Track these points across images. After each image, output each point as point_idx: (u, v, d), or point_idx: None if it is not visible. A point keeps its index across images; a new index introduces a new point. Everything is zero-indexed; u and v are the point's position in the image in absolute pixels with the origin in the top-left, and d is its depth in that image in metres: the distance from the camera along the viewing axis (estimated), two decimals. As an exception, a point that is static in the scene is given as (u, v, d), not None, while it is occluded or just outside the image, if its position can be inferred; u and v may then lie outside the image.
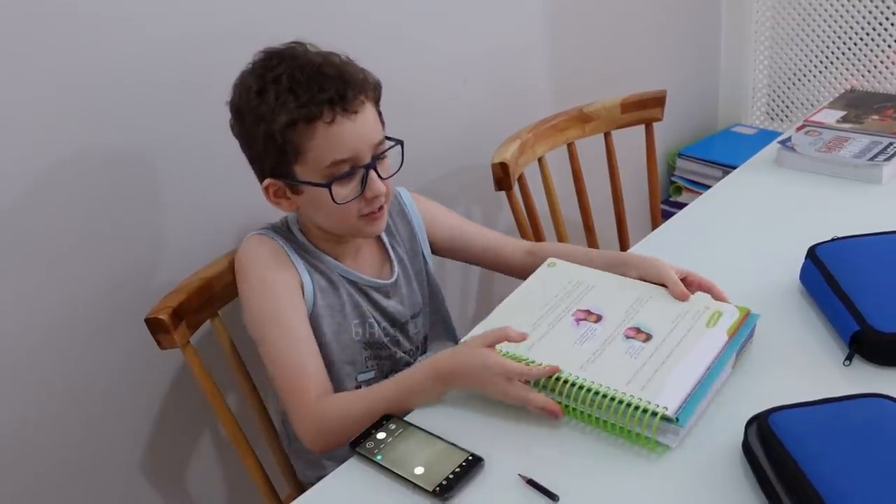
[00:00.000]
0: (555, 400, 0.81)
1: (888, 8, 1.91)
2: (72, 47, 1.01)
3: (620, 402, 0.77)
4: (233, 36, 1.14)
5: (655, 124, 1.55)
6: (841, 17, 1.98)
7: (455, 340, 1.17)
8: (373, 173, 0.97)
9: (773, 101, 2.20)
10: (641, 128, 1.54)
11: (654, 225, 1.57)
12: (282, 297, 1.00)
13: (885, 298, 0.86)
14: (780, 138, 1.36)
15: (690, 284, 0.92)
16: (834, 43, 2.02)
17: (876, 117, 1.37)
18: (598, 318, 0.89)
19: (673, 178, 2.12)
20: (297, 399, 0.95)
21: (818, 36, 2.04)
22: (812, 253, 0.96)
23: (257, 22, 1.18)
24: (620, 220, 1.57)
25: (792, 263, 0.99)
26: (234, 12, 1.17)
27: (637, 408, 0.76)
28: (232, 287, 1.09)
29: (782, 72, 2.15)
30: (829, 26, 2.01)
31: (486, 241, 1.16)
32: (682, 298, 0.90)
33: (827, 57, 2.04)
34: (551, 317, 0.91)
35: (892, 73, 1.97)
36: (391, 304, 1.09)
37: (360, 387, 1.06)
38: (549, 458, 0.78)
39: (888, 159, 1.21)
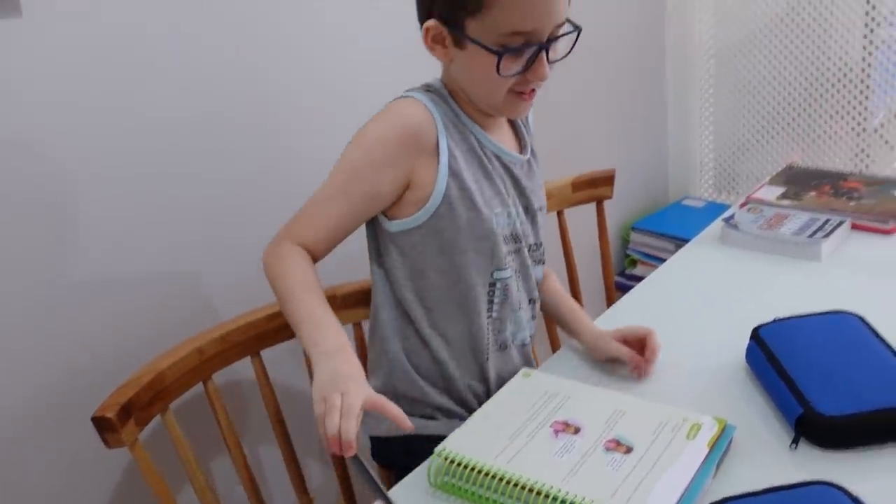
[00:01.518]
0: None
1: (822, 85, 2.01)
2: None
3: None
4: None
5: (607, 201, 1.60)
6: (779, 93, 2.08)
7: None
8: (543, 55, 0.91)
9: (720, 174, 2.28)
10: (594, 204, 1.58)
11: (609, 299, 1.60)
12: (374, 171, 0.94)
13: (827, 381, 0.88)
14: (724, 215, 1.41)
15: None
16: (773, 118, 2.11)
17: (814, 194, 1.43)
18: (577, 430, 0.89)
19: (628, 252, 2.16)
20: (283, 229, 0.99)
21: (758, 112, 2.14)
22: (756, 334, 0.98)
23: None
24: (576, 296, 1.59)
25: (738, 343, 1.01)
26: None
27: None
28: (186, 379, 1.08)
29: (726, 147, 2.24)
30: (769, 102, 2.11)
31: None
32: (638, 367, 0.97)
33: (768, 132, 2.14)
34: (529, 428, 0.90)
35: (828, 147, 2.07)
36: (528, 185, 1.05)
37: (494, 284, 1.02)
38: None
39: (826, 236, 1.26)
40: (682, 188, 2.30)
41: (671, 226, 2.07)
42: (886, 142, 2.01)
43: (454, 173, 0.97)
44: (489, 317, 1.04)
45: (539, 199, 1.08)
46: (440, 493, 0.86)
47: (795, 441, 0.86)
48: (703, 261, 1.32)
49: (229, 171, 1.30)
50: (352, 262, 1.26)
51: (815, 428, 0.84)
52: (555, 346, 1.45)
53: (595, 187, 1.56)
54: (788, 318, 1.01)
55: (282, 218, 1.27)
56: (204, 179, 1.27)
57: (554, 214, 1.55)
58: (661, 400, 0.93)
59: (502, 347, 1.08)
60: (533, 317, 1.13)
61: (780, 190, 1.46)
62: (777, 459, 0.84)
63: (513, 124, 1.09)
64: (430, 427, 1.07)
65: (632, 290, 1.26)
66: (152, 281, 1.23)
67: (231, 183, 1.31)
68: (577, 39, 0.95)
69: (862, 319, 0.99)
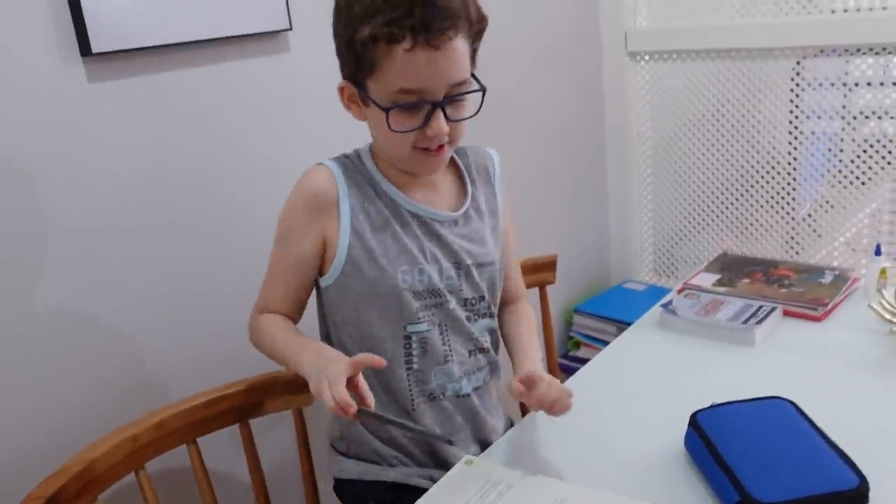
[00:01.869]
0: None
1: (752, 176, 2.11)
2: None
3: None
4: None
5: (550, 285, 1.63)
6: (713, 183, 2.18)
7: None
8: (438, 112, 0.95)
9: (659, 259, 2.35)
10: (537, 289, 1.61)
11: (553, 383, 1.61)
12: (295, 231, 1.04)
13: (762, 467, 0.90)
14: (662, 301, 1.44)
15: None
16: (708, 207, 2.21)
17: (747, 280, 1.48)
18: None
19: (571, 334, 2.19)
20: (257, 301, 1.12)
21: (694, 200, 2.23)
22: (693, 420, 1.00)
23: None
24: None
25: (677, 428, 1.02)
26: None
27: None
28: (118, 468, 1.04)
29: (665, 233, 2.32)
30: (703, 192, 2.20)
31: (508, 259, 1.19)
32: (516, 392, 0.98)
33: (703, 219, 2.23)
34: None
35: (760, 235, 2.16)
36: (456, 240, 1.07)
37: (409, 337, 1.06)
38: None
39: (759, 322, 1.30)
40: (624, 272, 2.36)
41: (613, 309, 2.11)
42: (814, 231, 2.11)
43: (356, 233, 1.03)
44: (409, 369, 1.07)
45: (477, 255, 1.09)
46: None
47: (733, 528, 0.86)
48: (643, 345, 1.35)
49: (179, 248, 1.30)
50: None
51: (751, 514, 0.86)
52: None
53: (538, 272, 1.59)
54: (724, 404, 1.03)
55: (230, 297, 1.27)
56: (154, 253, 1.26)
57: (498, 298, 1.57)
58: (603, 486, 0.93)
59: (431, 398, 1.09)
60: (481, 368, 1.14)
61: (715, 277, 1.51)
62: (716, 547, 0.85)
63: (462, 184, 1.12)
64: (388, 474, 1.11)
65: (575, 374, 1.27)
66: (86, 365, 1.20)
67: (178, 261, 1.30)
68: (483, 99, 1.01)
69: (794, 405, 1.01)
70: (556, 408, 0.97)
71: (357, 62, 0.95)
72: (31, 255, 1.12)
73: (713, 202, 2.19)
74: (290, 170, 1.11)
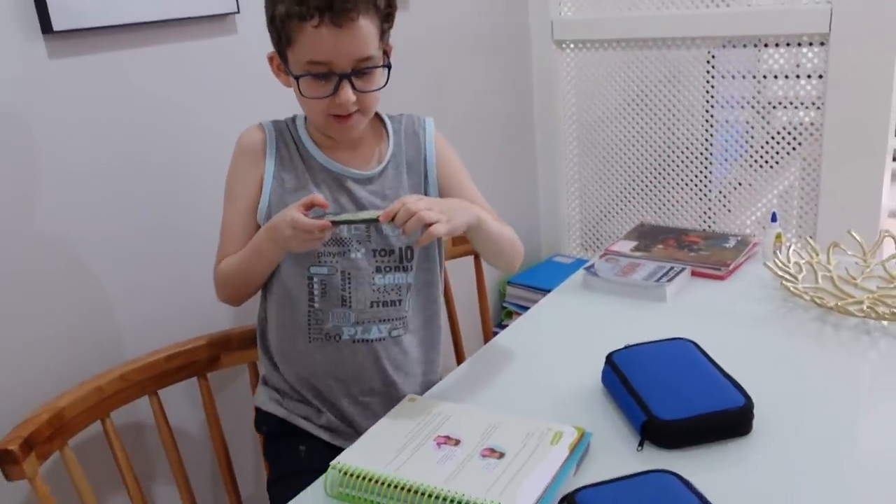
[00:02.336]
0: None
1: (670, 157, 2.28)
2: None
3: None
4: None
5: (483, 255, 1.75)
6: (635, 164, 2.34)
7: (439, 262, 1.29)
8: (345, 83, 1.07)
9: (585, 234, 2.51)
10: (472, 258, 1.74)
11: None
12: (238, 182, 1.18)
13: (666, 392, 1.04)
14: (586, 265, 1.59)
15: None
16: (630, 186, 2.37)
17: (661, 246, 1.63)
18: (457, 442, 1.00)
19: (504, 304, 2.33)
20: (216, 260, 1.21)
21: (617, 180, 2.39)
22: (609, 358, 1.14)
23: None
24: (456, 341, 1.72)
25: (596, 369, 1.16)
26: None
27: None
28: (85, 416, 1.12)
29: (591, 210, 2.48)
30: (626, 172, 2.37)
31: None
32: (385, 217, 1.03)
33: (626, 197, 2.39)
34: (414, 443, 1.00)
35: (678, 210, 2.33)
36: (366, 196, 1.18)
37: (311, 278, 1.17)
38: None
39: (670, 280, 1.45)
40: (553, 247, 2.52)
41: (543, 280, 2.26)
42: (726, 207, 2.30)
43: (278, 180, 1.17)
44: (310, 307, 1.18)
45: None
46: (337, 502, 0.95)
47: (641, 443, 1.00)
48: (569, 302, 1.49)
49: (137, 215, 1.37)
50: (244, 307, 1.35)
51: (656, 431, 1.00)
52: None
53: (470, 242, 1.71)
54: (636, 345, 1.17)
55: (187, 259, 1.36)
56: (113, 220, 1.33)
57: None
58: (531, 417, 1.06)
59: (327, 338, 1.19)
60: (385, 321, 1.20)
61: (633, 244, 1.67)
62: (627, 459, 0.99)
63: (383, 148, 1.23)
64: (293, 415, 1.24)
65: (508, 327, 1.40)
66: (54, 320, 1.26)
67: (137, 228, 1.37)
68: (388, 75, 1.13)
69: (695, 344, 1.16)
70: (406, 227, 1.03)
71: (278, 36, 1.10)
72: (2, 212, 1.19)
73: (635, 181, 2.36)
74: (235, 141, 1.21)
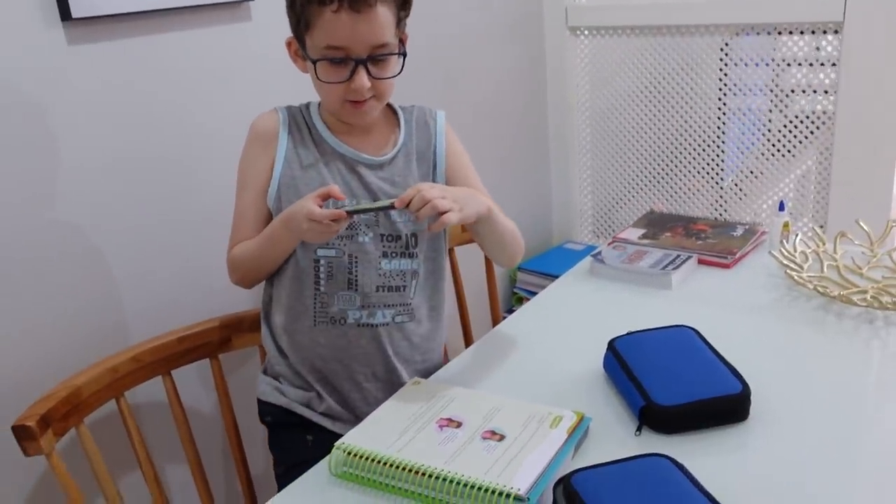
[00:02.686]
0: (422, 493, 0.92)
1: (683, 146, 2.28)
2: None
3: (480, 488, 0.90)
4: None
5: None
6: (647, 152, 2.35)
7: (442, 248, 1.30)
8: (361, 68, 1.10)
9: (597, 221, 2.52)
10: (480, 245, 1.75)
11: (496, 330, 1.76)
12: (250, 168, 1.21)
13: (665, 378, 1.06)
14: (593, 252, 1.60)
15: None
16: (643, 174, 2.37)
17: (669, 234, 1.64)
18: (459, 425, 1.02)
19: (515, 290, 2.35)
20: (228, 245, 1.23)
21: (630, 168, 2.39)
22: (611, 344, 1.16)
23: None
24: (465, 326, 1.75)
25: (599, 355, 1.18)
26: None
27: (494, 491, 0.89)
28: (100, 395, 1.16)
29: (603, 198, 2.49)
30: (638, 160, 2.37)
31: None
32: (400, 204, 1.06)
33: (638, 185, 2.39)
34: (417, 425, 1.03)
35: (690, 199, 2.34)
36: (376, 181, 1.20)
37: (318, 261, 1.20)
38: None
39: (676, 269, 1.47)
40: (565, 233, 2.53)
41: (554, 266, 2.27)
42: (738, 194, 2.30)
43: (289, 164, 1.19)
44: (316, 289, 1.20)
45: (395, 197, 1.15)
46: (341, 482, 0.98)
47: (640, 428, 1.02)
48: (575, 289, 1.50)
49: (152, 200, 1.40)
50: (255, 290, 1.38)
51: (654, 416, 1.02)
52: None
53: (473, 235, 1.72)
54: (638, 332, 1.19)
55: (201, 243, 1.39)
56: (129, 205, 1.37)
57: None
58: (533, 400, 1.08)
59: (332, 321, 1.21)
60: (389, 306, 1.22)
61: (641, 231, 1.68)
62: (625, 443, 1.01)
63: (395, 134, 1.25)
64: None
65: (514, 312, 1.42)
66: (72, 302, 1.30)
67: (152, 212, 1.41)
68: (403, 62, 1.16)
69: (696, 331, 1.18)
70: (420, 214, 1.05)
71: (297, 20, 1.12)
72: (18, 200, 1.22)
73: (647, 168, 2.36)
74: (248, 128, 1.23)
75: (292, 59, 1.19)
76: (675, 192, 2.34)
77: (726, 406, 1.02)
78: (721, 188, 2.29)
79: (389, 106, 1.27)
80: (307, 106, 1.25)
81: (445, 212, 1.05)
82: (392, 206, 1.07)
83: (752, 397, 1.04)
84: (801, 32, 2.00)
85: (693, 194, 2.33)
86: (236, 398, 1.38)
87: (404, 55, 1.16)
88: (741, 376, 1.05)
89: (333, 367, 1.23)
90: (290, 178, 1.19)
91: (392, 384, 1.23)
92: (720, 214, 2.30)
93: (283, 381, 1.26)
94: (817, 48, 2.01)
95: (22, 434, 1.04)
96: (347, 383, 1.24)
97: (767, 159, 2.18)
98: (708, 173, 2.28)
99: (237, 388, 1.46)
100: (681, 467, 0.90)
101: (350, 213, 1.06)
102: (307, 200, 1.07)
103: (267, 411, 1.28)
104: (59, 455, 1.09)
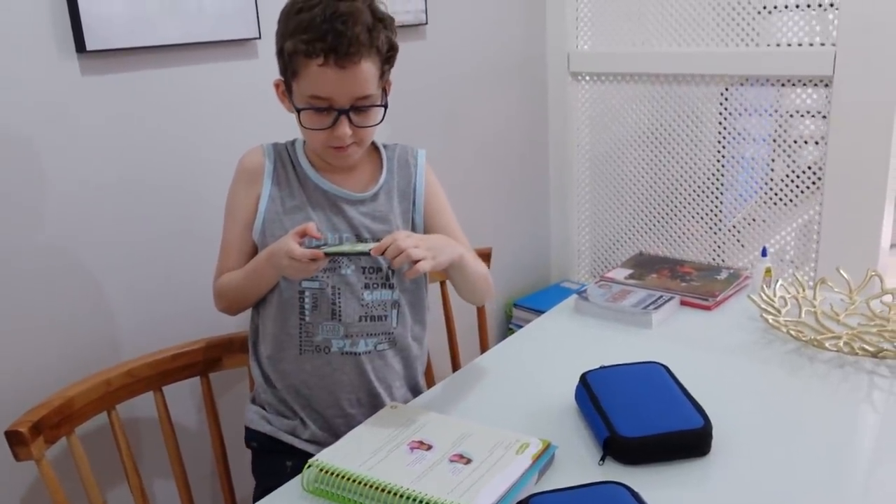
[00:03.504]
0: None
1: (683, 190, 2.33)
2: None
3: None
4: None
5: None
6: (646, 194, 2.40)
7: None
8: (343, 118, 1.16)
9: (594, 262, 2.57)
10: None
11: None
12: (237, 202, 1.27)
13: (630, 411, 1.09)
14: (579, 290, 1.65)
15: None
16: (641, 216, 2.42)
17: (655, 276, 1.69)
18: (429, 447, 1.07)
19: (510, 325, 2.39)
20: (215, 275, 1.29)
21: (628, 211, 2.45)
22: (583, 378, 1.20)
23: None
24: (455, 357, 1.79)
25: (572, 387, 1.22)
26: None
27: None
28: (92, 407, 1.21)
29: (600, 239, 2.53)
30: (637, 203, 2.42)
31: (448, 234, 1.30)
32: (376, 252, 1.09)
33: (636, 227, 2.44)
34: (389, 447, 1.07)
35: (686, 243, 2.38)
36: (357, 217, 1.25)
37: (303, 292, 1.25)
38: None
39: (657, 308, 1.51)
40: (562, 273, 2.57)
41: (549, 304, 2.28)
42: (735, 240, 2.34)
43: (273, 200, 1.25)
44: (301, 319, 1.25)
45: (377, 231, 1.25)
46: (313, 498, 1.02)
47: (603, 458, 1.06)
48: (558, 324, 1.55)
49: (155, 223, 1.47)
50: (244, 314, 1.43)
51: (617, 447, 1.05)
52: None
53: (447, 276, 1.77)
54: (610, 366, 1.23)
55: (199, 265, 1.45)
56: (133, 226, 1.44)
57: (437, 284, 1.76)
58: (505, 428, 1.11)
59: (317, 350, 1.26)
60: (372, 335, 1.27)
61: (628, 271, 1.72)
62: (588, 471, 1.04)
63: (378, 172, 1.30)
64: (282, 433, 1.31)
65: (497, 345, 1.47)
66: (70, 316, 1.36)
67: (155, 235, 1.47)
68: (384, 114, 1.21)
69: (666, 368, 1.22)
70: (395, 262, 1.09)
71: (284, 66, 1.18)
72: (28, 218, 1.29)
73: (645, 211, 2.41)
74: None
75: (279, 99, 1.25)
76: (673, 236, 2.39)
77: (687, 440, 1.06)
78: (718, 234, 2.33)
79: (373, 144, 1.33)
80: (293, 143, 1.31)
81: (419, 260, 1.10)
82: (368, 254, 1.11)
83: (715, 433, 1.07)
84: (794, 84, 2.06)
85: (690, 239, 2.37)
86: (225, 417, 1.43)
87: (385, 107, 1.22)
88: (704, 412, 1.09)
89: (318, 394, 1.28)
90: (275, 213, 1.25)
91: (375, 409, 1.27)
92: (716, 260, 2.33)
93: (269, 409, 1.31)
94: (807, 100, 2.06)
95: (13, 439, 1.09)
96: (332, 409, 1.29)
97: (769, 207, 2.22)
98: (705, 218, 2.33)
99: (227, 407, 1.51)
100: (636, 495, 0.93)
101: (328, 255, 1.12)
102: (288, 238, 1.12)
103: (253, 437, 1.33)
104: (50, 463, 1.14)
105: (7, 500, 1.29)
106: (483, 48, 2.21)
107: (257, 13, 1.55)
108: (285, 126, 1.41)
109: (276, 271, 1.18)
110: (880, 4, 1.84)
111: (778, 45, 2.07)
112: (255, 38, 1.57)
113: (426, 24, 1.97)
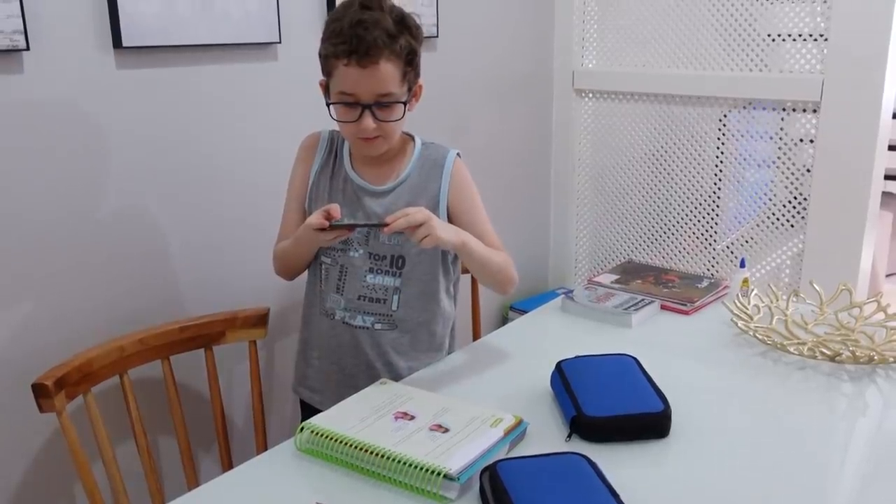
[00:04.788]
0: (370, 469, 1.07)
1: (680, 207, 2.43)
2: None
3: (417, 466, 1.04)
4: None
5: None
6: (644, 209, 2.50)
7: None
8: (367, 112, 1.29)
9: (591, 270, 2.67)
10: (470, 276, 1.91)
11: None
12: (295, 177, 1.45)
13: (597, 394, 1.19)
14: (566, 291, 1.75)
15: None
16: (638, 230, 2.52)
17: (639, 281, 1.79)
18: (412, 418, 1.18)
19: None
20: (275, 242, 1.46)
21: (626, 224, 2.55)
22: (558, 365, 1.30)
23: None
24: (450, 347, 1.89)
25: (549, 374, 1.32)
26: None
27: (429, 469, 1.03)
28: (108, 369, 1.33)
29: (598, 250, 2.64)
30: (634, 217, 2.52)
31: (474, 230, 1.40)
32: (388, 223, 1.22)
33: (633, 240, 2.54)
34: (376, 416, 1.18)
35: (680, 257, 2.47)
36: (371, 207, 1.40)
37: (321, 265, 1.44)
38: None
39: (637, 310, 1.61)
40: (559, 280, 2.68)
41: (543, 309, 2.42)
42: (731, 261, 2.43)
43: (317, 177, 1.43)
44: (320, 287, 1.45)
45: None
46: (305, 456, 1.13)
47: (570, 435, 1.16)
48: (544, 321, 1.65)
49: (180, 208, 1.59)
50: (251, 290, 1.55)
51: (583, 425, 1.15)
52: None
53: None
54: (585, 356, 1.33)
55: (221, 247, 1.57)
56: (161, 210, 1.56)
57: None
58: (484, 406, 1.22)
59: (327, 314, 1.45)
60: (369, 313, 1.42)
61: (615, 277, 1.82)
62: (555, 447, 1.14)
63: (402, 168, 1.43)
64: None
65: (485, 336, 1.58)
66: (90, 287, 1.49)
67: (181, 219, 1.60)
68: (405, 108, 1.34)
69: (636, 360, 1.31)
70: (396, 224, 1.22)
71: (324, 65, 1.33)
72: (71, 191, 1.42)
73: (643, 225, 2.52)
74: (270, 154, 1.42)
75: (323, 97, 1.38)
76: (668, 252, 2.49)
77: (648, 422, 1.16)
78: (713, 252, 2.43)
79: (412, 139, 1.46)
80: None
81: (420, 225, 1.22)
82: (378, 225, 1.26)
83: (675, 419, 1.17)
84: (783, 110, 2.16)
85: (685, 255, 2.47)
86: (226, 387, 1.54)
87: (405, 104, 1.34)
88: (665, 398, 1.19)
89: (325, 351, 1.47)
90: (317, 190, 1.42)
91: (371, 378, 1.39)
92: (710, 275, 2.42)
93: (298, 353, 1.54)
94: (800, 129, 2.16)
95: (39, 392, 1.21)
96: (333, 366, 1.47)
97: (763, 230, 2.31)
98: (700, 236, 2.42)
99: (228, 377, 1.62)
100: (593, 465, 1.03)
101: (332, 227, 1.25)
102: (316, 212, 1.28)
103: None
104: (70, 417, 1.25)
105: (26, 454, 1.40)
106: (491, 62, 2.33)
107: (279, 19, 1.68)
108: (303, 124, 1.54)
109: (304, 238, 1.33)
110: (866, 36, 1.95)
111: (779, 70, 2.17)
112: (276, 43, 1.69)
113: (437, 36, 2.10)
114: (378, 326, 1.42)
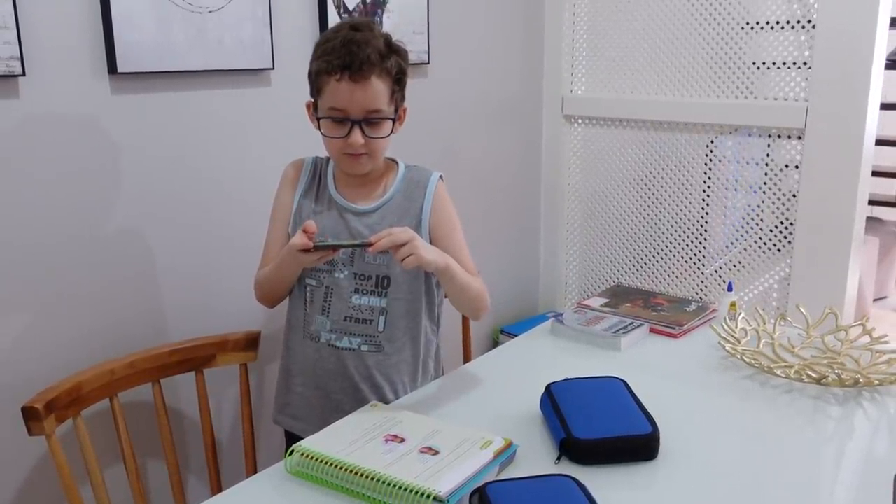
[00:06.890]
0: (360, 492, 1.07)
1: (668, 232, 2.46)
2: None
3: (406, 489, 1.04)
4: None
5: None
6: (633, 233, 2.52)
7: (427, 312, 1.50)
8: (356, 127, 1.31)
9: (581, 294, 2.68)
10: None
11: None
12: (279, 203, 1.46)
13: (586, 417, 1.20)
14: (556, 314, 1.76)
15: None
16: (627, 254, 2.55)
17: (629, 305, 1.80)
18: (402, 440, 1.18)
19: (496, 351, 2.51)
20: (257, 269, 1.46)
21: (615, 249, 2.57)
22: (548, 388, 1.31)
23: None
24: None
25: (539, 397, 1.33)
26: (134, 178, 1.50)
27: (418, 492, 1.04)
28: (97, 393, 1.33)
29: (588, 274, 2.65)
30: (623, 241, 2.54)
31: (452, 253, 1.40)
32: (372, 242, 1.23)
33: (622, 265, 2.56)
34: (366, 438, 1.18)
35: (669, 281, 2.49)
36: (356, 227, 1.41)
37: (306, 287, 1.44)
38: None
39: (626, 333, 1.62)
40: (549, 304, 2.69)
41: (533, 332, 2.43)
42: (720, 285, 2.44)
43: (301, 202, 1.44)
44: (304, 310, 1.45)
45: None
46: (295, 479, 1.13)
47: (559, 457, 1.17)
48: (534, 344, 1.66)
49: (173, 231, 1.60)
50: (241, 314, 1.56)
51: (572, 447, 1.16)
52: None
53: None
54: (574, 378, 1.34)
55: (210, 271, 1.58)
56: (153, 233, 1.57)
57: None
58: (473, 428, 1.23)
59: (311, 337, 1.44)
60: (355, 335, 1.42)
61: (605, 300, 1.84)
62: (545, 469, 1.14)
63: (385, 190, 1.45)
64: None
65: (477, 358, 1.58)
66: (81, 307, 1.49)
67: (173, 241, 1.61)
68: (393, 126, 1.38)
69: (624, 382, 1.33)
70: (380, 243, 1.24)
71: (313, 84, 1.36)
72: (65, 214, 1.43)
73: (632, 249, 2.54)
74: (262, 178, 1.43)
75: (309, 118, 1.41)
76: (657, 276, 2.51)
77: (636, 444, 1.16)
78: (701, 276, 2.45)
79: (395, 163, 1.48)
80: (327, 160, 1.48)
81: (403, 245, 1.24)
82: (362, 245, 1.26)
83: (663, 441, 1.18)
84: (769, 136, 2.20)
85: (674, 278, 2.49)
86: (216, 411, 1.54)
87: (394, 121, 1.38)
88: (653, 420, 1.20)
89: (308, 377, 1.46)
90: (302, 213, 1.43)
91: (359, 402, 1.39)
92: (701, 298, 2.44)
93: (279, 380, 1.53)
94: (785, 155, 2.19)
95: (29, 415, 1.21)
96: (317, 391, 1.46)
97: (755, 252, 2.32)
98: (689, 261, 2.44)
99: (218, 401, 1.62)
100: (582, 487, 1.04)
101: (317, 248, 1.26)
102: (297, 234, 1.29)
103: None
104: (59, 439, 1.25)
105: (14, 478, 1.39)
106: (482, 88, 2.36)
107: (272, 46, 1.70)
108: (294, 150, 1.55)
109: (288, 260, 1.34)
110: (849, 64, 1.99)
111: (764, 98, 2.20)
112: (269, 69, 1.72)
113: (428, 63, 2.13)
114: (364, 348, 1.43)
